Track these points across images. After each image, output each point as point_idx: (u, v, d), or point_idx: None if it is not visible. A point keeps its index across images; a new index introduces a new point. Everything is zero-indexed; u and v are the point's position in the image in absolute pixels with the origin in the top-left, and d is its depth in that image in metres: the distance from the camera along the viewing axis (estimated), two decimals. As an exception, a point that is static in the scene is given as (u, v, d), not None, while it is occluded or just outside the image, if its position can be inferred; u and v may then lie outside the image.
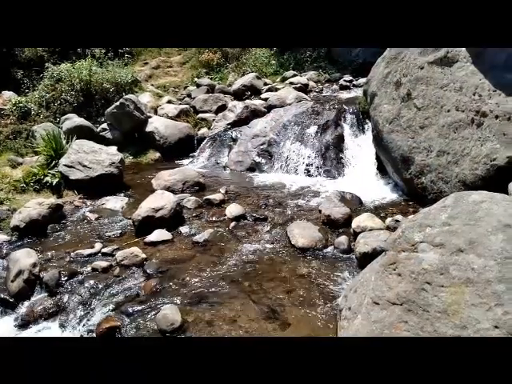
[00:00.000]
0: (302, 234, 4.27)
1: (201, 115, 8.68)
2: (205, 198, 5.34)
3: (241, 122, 7.70)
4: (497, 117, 4.50)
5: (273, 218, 4.85)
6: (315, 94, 8.97)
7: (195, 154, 7.82)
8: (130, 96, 7.90)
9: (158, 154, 7.74)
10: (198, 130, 8.32)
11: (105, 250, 4.14)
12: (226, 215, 4.86)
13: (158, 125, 7.92)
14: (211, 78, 10.29)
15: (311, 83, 9.46)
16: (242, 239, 4.38)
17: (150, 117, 8.13)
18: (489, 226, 1.70)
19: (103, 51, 9.63)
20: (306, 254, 4.02)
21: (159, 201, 4.71)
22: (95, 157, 5.99)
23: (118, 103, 7.67)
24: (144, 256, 3.96)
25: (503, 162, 4.34)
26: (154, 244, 4.27)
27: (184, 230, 4.59)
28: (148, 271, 3.79)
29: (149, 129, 7.86)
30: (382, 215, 4.67)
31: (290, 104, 7.71)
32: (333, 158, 6.47)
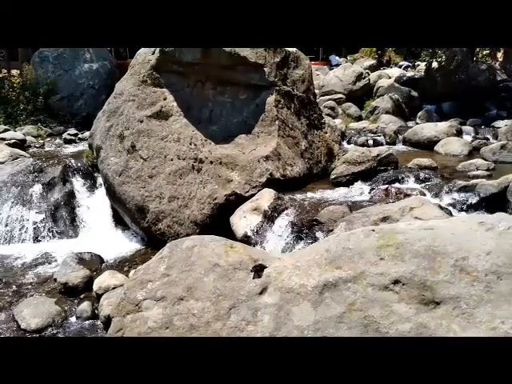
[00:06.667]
0: (35, 313, 3.73)
1: None
2: None
3: None
4: (211, 162, 5.22)
5: (-7, 303, 3.95)
6: (36, 149, 8.12)
7: None
8: None
9: None
10: None
11: None
12: None
13: None
14: None
15: (30, 138, 8.55)
16: None
17: None
18: (202, 269, 1.84)
19: None
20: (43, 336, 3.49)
21: None
22: None
23: None
24: None
25: (223, 199, 5.05)
26: None
27: None
28: None
29: None
30: (125, 269, 4.59)
31: (3, 163, 6.65)
32: (65, 217, 5.91)
